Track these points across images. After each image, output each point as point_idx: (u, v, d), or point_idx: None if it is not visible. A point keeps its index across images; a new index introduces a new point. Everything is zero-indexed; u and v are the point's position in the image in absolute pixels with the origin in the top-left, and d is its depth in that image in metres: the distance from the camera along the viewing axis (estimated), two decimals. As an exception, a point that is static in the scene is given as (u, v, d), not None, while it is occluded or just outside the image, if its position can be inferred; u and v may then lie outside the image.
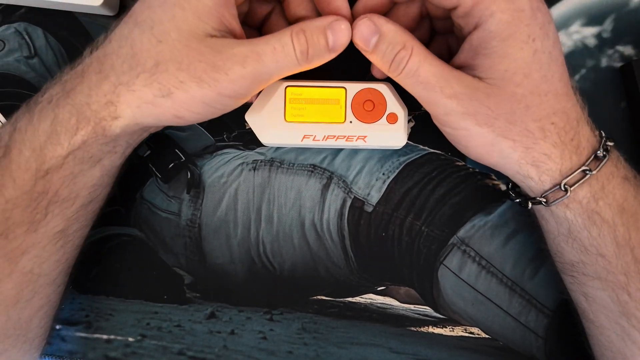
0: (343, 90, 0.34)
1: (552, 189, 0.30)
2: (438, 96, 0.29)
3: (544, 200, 0.31)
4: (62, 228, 0.31)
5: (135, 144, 0.33)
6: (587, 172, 0.29)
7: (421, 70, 0.29)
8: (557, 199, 0.30)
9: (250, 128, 0.38)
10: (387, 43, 0.29)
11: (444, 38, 0.35)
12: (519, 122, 0.29)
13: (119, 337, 0.38)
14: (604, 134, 0.31)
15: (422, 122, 0.39)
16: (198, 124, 0.39)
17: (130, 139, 0.32)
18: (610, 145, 0.30)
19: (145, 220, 0.39)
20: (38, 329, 0.33)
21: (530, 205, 0.32)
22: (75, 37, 0.40)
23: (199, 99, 0.29)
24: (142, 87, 0.29)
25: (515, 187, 0.35)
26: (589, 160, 0.30)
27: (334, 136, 0.34)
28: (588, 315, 0.32)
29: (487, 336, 0.37)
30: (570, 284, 0.33)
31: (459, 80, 0.29)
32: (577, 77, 0.39)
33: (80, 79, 0.30)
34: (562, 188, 0.29)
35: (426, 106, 0.30)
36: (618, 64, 0.39)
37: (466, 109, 0.29)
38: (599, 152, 0.30)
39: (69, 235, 0.32)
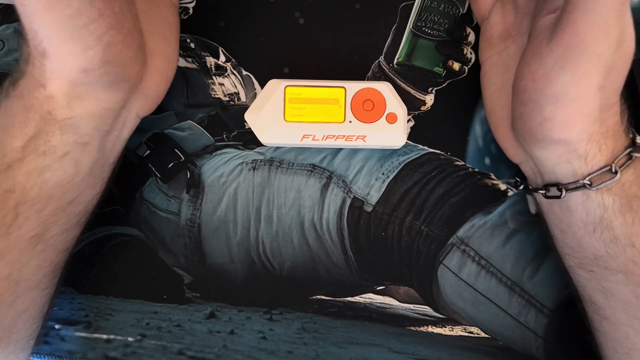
0: (342, 90, 0.34)
1: (601, 171, 0.28)
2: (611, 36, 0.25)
3: (589, 183, 0.29)
4: (38, 232, 0.29)
5: (113, 136, 0.31)
6: (632, 154, 0.28)
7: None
8: (603, 182, 0.28)
9: (249, 128, 0.38)
10: None
11: None
12: (614, 93, 0.27)
13: (118, 337, 0.38)
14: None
15: (421, 122, 0.39)
16: (198, 124, 0.39)
17: (93, 123, 0.30)
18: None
19: (145, 220, 0.39)
20: (23, 330, 0.32)
21: (564, 193, 0.29)
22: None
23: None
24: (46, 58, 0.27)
25: (522, 179, 0.34)
26: (631, 144, 0.29)
27: (334, 136, 0.34)
28: (604, 311, 0.31)
29: (486, 336, 0.37)
30: (586, 280, 0.31)
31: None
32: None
33: (23, 66, 0.29)
34: (613, 170, 0.28)
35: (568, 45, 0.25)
36: (617, 64, 0.38)
37: (612, 65, 0.26)
38: (638, 137, 0.29)
39: (49, 240, 0.30)
